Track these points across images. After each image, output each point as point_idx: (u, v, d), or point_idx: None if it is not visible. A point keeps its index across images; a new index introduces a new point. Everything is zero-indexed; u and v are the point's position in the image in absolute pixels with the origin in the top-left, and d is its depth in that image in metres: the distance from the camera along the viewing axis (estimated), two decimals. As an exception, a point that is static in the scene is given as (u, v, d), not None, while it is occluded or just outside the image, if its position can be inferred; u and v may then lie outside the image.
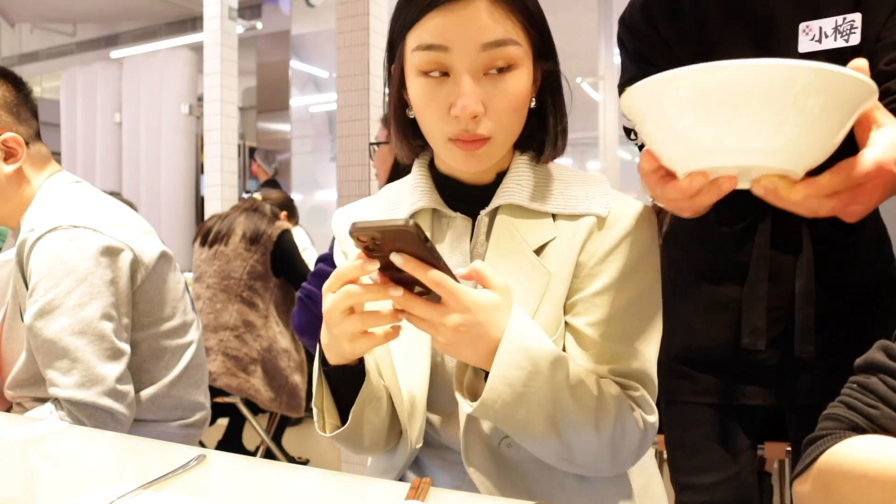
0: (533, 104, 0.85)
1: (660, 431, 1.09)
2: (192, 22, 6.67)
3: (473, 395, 0.76)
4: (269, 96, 6.60)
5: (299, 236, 3.99)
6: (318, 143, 6.69)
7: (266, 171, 5.05)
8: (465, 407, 0.75)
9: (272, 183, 4.90)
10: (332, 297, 0.70)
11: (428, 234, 0.87)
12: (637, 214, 0.85)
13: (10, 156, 1.27)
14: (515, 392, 0.72)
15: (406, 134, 0.90)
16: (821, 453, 0.65)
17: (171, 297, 1.35)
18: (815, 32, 0.91)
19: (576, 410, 0.76)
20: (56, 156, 1.37)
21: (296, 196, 6.04)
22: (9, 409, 1.31)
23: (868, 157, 0.60)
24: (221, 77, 3.69)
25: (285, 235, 2.67)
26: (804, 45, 0.92)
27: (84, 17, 7.08)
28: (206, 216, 3.30)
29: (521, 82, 0.80)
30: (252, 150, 6.09)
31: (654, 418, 0.83)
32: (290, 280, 2.69)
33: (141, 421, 1.30)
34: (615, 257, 0.84)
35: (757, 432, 1.21)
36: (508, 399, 0.72)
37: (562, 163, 0.93)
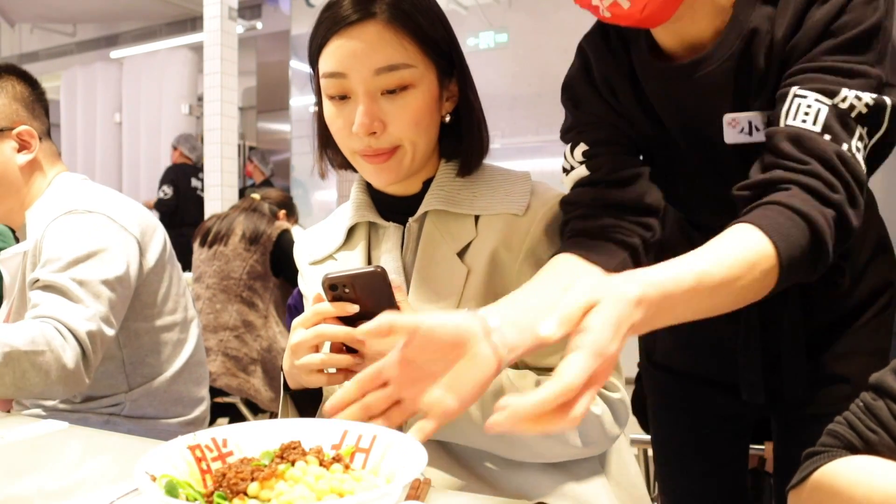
0: (447, 119, 0.91)
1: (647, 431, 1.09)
2: (192, 22, 6.67)
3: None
4: (269, 96, 6.61)
5: (299, 236, 3.99)
6: (318, 143, 6.67)
7: (262, 171, 5.06)
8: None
9: (267, 184, 4.90)
10: (302, 332, 0.77)
11: (363, 243, 0.97)
12: (556, 207, 0.90)
13: (23, 148, 1.31)
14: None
15: (327, 148, 0.96)
16: (816, 468, 0.65)
17: (174, 291, 1.37)
18: (744, 126, 0.87)
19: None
20: (58, 155, 1.42)
21: (295, 196, 6.04)
22: (9, 410, 1.32)
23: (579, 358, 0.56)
24: (221, 77, 3.70)
25: (285, 235, 2.67)
26: (730, 136, 0.88)
27: (84, 17, 7.08)
28: (207, 216, 3.30)
29: (418, 99, 0.85)
30: (251, 150, 6.10)
31: (618, 395, 0.86)
32: (289, 280, 2.69)
33: (141, 417, 1.30)
34: (541, 251, 0.88)
35: (749, 434, 1.20)
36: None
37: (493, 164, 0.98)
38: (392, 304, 0.73)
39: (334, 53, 0.84)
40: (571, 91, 0.99)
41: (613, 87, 0.95)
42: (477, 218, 0.91)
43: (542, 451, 0.85)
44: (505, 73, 4.46)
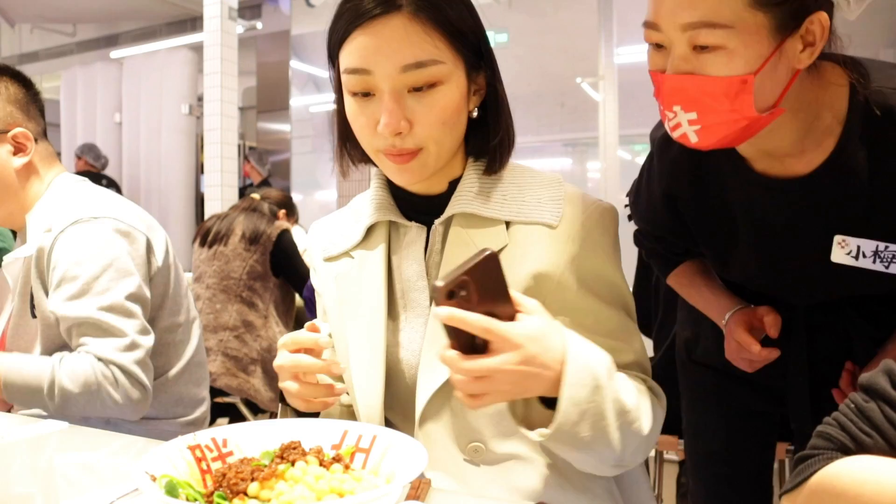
0: (475, 114, 0.87)
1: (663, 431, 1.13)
2: (192, 22, 6.66)
3: (528, 424, 0.76)
4: (269, 96, 6.60)
5: (299, 236, 3.99)
6: (318, 143, 6.68)
7: (260, 172, 5.05)
8: (533, 436, 0.74)
9: (265, 184, 4.90)
10: (283, 356, 0.77)
11: (383, 244, 0.93)
12: (592, 216, 0.87)
13: (19, 150, 1.30)
14: (581, 410, 0.71)
15: (347, 143, 0.93)
16: (812, 473, 0.65)
17: (176, 291, 1.37)
18: (852, 249, 0.89)
19: (627, 412, 0.76)
20: (56, 156, 1.41)
21: (296, 196, 6.04)
22: (9, 410, 1.32)
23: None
24: (221, 77, 3.69)
25: (285, 235, 2.67)
26: (838, 256, 0.90)
27: (84, 17, 7.07)
28: (206, 216, 3.29)
29: (447, 97, 0.81)
30: (250, 149, 6.10)
31: (664, 403, 0.86)
32: (289, 280, 2.69)
33: (142, 418, 1.30)
34: (580, 262, 0.85)
35: (777, 431, 1.28)
36: (575, 418, 0.71)
37: (523, 163, 0.95)
38: (506, 291, 0.68)
39: (357, 49, 0.79)
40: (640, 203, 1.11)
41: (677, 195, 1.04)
42: (507, 223, 0.87)
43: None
44: (505, 73, 4.45)
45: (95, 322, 1.17)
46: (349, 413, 1.00)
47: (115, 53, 6.92)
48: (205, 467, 0.62)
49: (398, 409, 0.93)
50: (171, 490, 0.55)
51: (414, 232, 0.91)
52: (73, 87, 6.54)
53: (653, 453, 1.86)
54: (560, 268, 0.84)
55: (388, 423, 0.93)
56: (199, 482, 0.60)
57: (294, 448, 0.61)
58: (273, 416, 2.91)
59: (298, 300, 2.81)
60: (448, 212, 0.88)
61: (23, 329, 1.30)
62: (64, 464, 0.90)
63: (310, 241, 1.02)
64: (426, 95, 0.80)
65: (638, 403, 0.78)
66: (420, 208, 0.92)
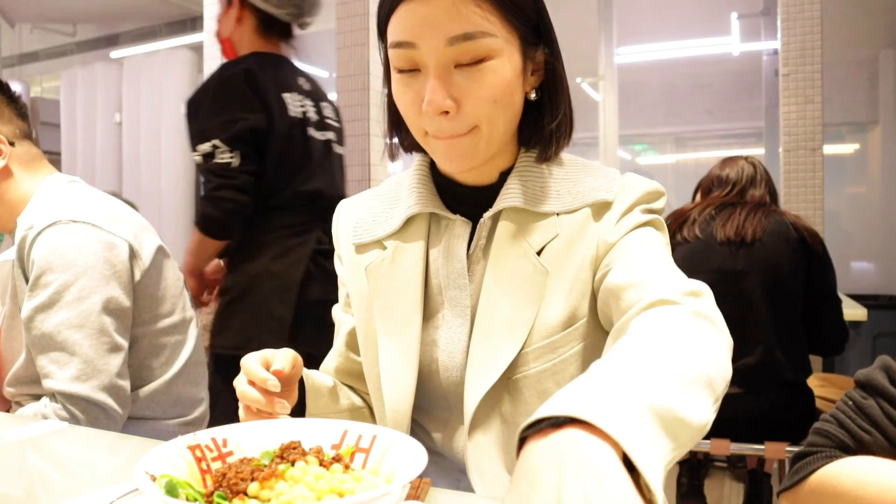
0: (533, 96, 0.82)
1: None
2: (192, 22, 6.66)
3: None
4: (269, 96, 6.59)
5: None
6: (318, 143, 6.67)
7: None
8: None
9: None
10: (238, 383, 0.74)
11: (423, 238, 0.87)
12: (648, 186, 0.83)
13: None
14: (668, 445, 0.48)
15: (397, 128, 0.88)
16: (812, 471, 0.64)
17: (170, 293, 1.35)
18: None
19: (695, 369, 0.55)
20: (56, 156, 1.40)
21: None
22: (8, 410, 1.31)
23: None
24: (221, 77, 3.68)
25: (285, 235, 2.66)
26: None
27: (84, 17, 7.08)
28: (206, 216, 3.28)
29: (498, 73, 0.75)
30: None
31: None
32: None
33: (140, 418, 1.30)
34: (630, 218, 0.80)
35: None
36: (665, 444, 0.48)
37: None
38: None
39: (403, 20, 0.74)
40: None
41: None
42: (557, 213, 0.82)
43: None
44: (505, 73, 4.43)
45: (60, 343, 1.15)
46: (368, 415, 0.97)
47: (115, 53, 6.93)
48: (205, 467, 0.62)
49: (425, 410, 0.90)
50: (171, 490, 0.55)
51: (458, 226, 0.85)
52: (73, 87, 6.53)
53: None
54: (611, 231, 0.80)
55: (414, 423, 0.90)
56: (199, 482, 0.60)
57: (294, 448, 0.61)
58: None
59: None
60: (497, 206, 0.82)
61: (15, 331, 1.29)
62: (64, 464, 0.89)
63: (337, 222, 0.96)
64: (475, 71, 0.74)
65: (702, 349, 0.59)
66: (466, 200, 0.86)
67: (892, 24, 4.48)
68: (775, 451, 1.80)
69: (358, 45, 2.66)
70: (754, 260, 1.90)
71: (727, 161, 2.11)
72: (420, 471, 0.56)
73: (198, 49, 4.84)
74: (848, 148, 4.61)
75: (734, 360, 0.63)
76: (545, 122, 0.83)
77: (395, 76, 0.79)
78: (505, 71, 0.75)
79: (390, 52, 0.77)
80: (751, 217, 1.93)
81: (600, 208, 0.82)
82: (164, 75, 5.83)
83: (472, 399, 0.81)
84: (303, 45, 2.06)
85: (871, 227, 4.37)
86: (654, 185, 0.85)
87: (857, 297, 2.99)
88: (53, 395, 1.16)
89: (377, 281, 0.88)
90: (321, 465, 0.59)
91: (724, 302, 0.78)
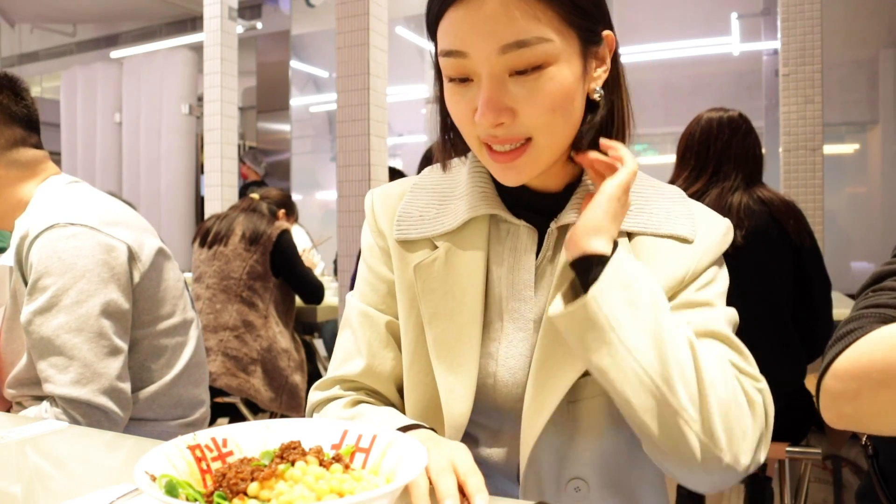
0: (597, 96, 0.76)
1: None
2: (192, 22, 6.67)
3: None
4: (269, 96, 6.61)
5: (299, 235, 3.98)
6: (318, 143, 6.69)
7: (256, 171, 5.05)
8: (556, 307, 0.70)
9: (262, 184, 4.89)
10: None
11: (483, 244, 0.82)
12: (723, 233, 0.81)
13: None
14: (628, 300, 0.67)
15: (450, 132, 0.83)
16: (848, 346, 0.62)
17: (171, 294, 1.35)
18: None
19: (681, 350, 0.67)
20: (56, 156, 1.37)
21: (296, 196, 6.05)
22: (9, 409, 1.31)
23: None
24: (221, 77, 3.69)
25: (284, 235, 2.67)
26: None
27: (84, 17, 7.08)
28: (206, 216, 3.29)
29: (556, 80, 0.70)
30: (250, 149, 6.10)
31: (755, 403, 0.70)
32: (289, 280, 2.69)
33: (141, 420, 1.30)
34: (713, 281, 0.78)
35: None
36: (619, 303, 0.67)
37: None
38: None
39: (452, 28, 0.70)
40: None
41: None
42: (630, 234, 0.78)
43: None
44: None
45: (59, 347, 1.15)
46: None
47: (115, 53, 6.93)
48: (205, 467, 0.62)
49: (473, 420, 0.83)
50: (171, 490, 0.55)
51: (524, 234, 0.80)
52: (73, 87, 6.54)
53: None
54: (687, 280, 0.77)
55: (467, 435, 0.84)
56: (199, 482, 0.60)
57: (294, 448, 0.61)
58: (273, 416, 2.91)
59: (298, 300, 2.82)
60: (567, 217, 0.78)
61: (16, 332, 1.29)
62: (64, 464, 0.89)
63: (372, 210, 0.89)
64: (531, 79, 0.69)
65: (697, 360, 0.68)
66: (531, 205, 0.81)
67: (892, 24, 4.48)
68: (775, 452, 1.80)
69: (358, 45, 2.66)
70: (740, 269, 1.86)
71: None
72: (420, 471, 0.56)
73: (198, 49, 4.85)
74: (848, 148, 4.62)
75: None
76: (607, 129, 0.78)
77: (447, 84, 0.75)
78: (564, 77, 0.70)
79: (441, 60, 0.73)
80: (731, 217, 1.84)
81: (679, 245, 0.78)
82: (163, 75, 5.84)
83: (533, 425, 0.77)
84: (302, 45, 2.05)
85: (870, 227, 4.38)
86: (725, 226, 0.82)
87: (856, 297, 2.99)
88: (54, 399, 1.16)
89: (426, 283, 0.82)
90: (321, 465, 0.59)
91: None
